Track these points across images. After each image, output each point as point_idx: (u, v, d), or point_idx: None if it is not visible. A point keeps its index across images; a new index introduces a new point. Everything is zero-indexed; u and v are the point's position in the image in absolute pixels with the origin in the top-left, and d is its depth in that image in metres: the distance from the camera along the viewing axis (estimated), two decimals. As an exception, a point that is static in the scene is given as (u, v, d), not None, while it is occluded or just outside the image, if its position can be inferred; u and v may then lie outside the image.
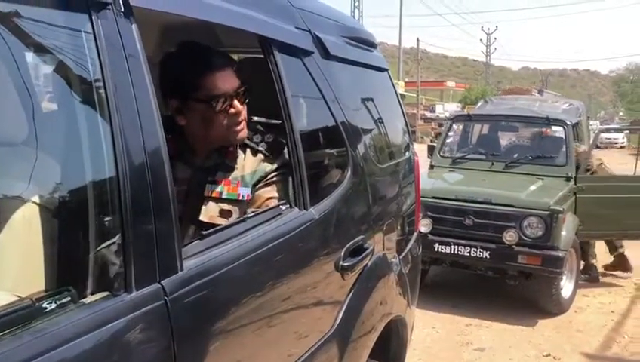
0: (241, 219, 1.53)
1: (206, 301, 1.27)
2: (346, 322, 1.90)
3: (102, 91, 1.10)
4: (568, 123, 5.94)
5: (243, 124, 1.73)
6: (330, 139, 2.05)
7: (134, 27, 1.18)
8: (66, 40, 1.13)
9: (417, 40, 45.87)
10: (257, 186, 1.72)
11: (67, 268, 1.11)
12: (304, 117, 1.92)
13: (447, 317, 5.02)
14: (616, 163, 9.31)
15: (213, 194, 1.70)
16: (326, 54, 2.01)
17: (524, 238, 4.89)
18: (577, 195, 5.53)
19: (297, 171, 1.71)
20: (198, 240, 1.33)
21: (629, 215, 5.53)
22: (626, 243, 6.07)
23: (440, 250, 5.14)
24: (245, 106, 1.73)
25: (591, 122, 14.78)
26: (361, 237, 2.02)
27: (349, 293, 1.92)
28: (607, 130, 11.36)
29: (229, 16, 1.56)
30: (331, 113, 1.98)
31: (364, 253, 1.98)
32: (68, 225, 1.15)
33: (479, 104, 7.89)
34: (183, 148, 1.74)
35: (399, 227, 2.57)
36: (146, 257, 1.13)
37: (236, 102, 1.69)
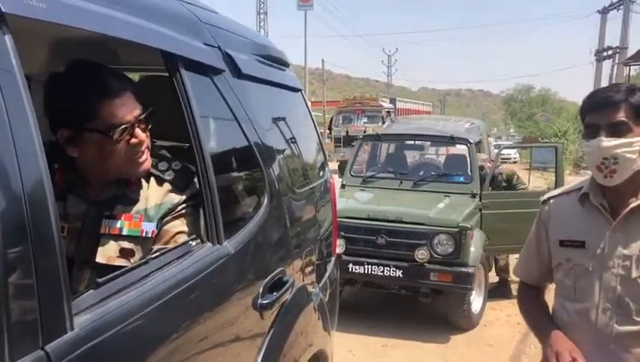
0: (144, 260, 1.33)
1: (104, 364, 1.06)
2: (267, 363, 1.74)
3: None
4: (472, 141, 6.14)
5: (146, 154, 1.52)
6: (244, 164, 1.89)
7: (8, 38, 0.98)
8: None
9: (322, 61, 46.81)
10: (165, 220, 1.52)
11: None
12: (215, 140, 1.76)
13: (362, 338, 4.96)
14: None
15: (112, 231, 1.47)
16: (237, 73, 1.87)
17: (435, 256, 4.95)
18: (482, 211, 5.70)
19: (209, 201, 1.53)
20: (92, 290, 1.13)
21: (528, 229, 5.74)
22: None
23: (354, 270, 5.09)
24: (148, 133, 1.54)
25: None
26: (281, 269, 1.87)
27: (268, 333, 1.76)
28: (506, 147, 12.05)
29: (128, 30, 1.37)
30: (245, 136, 1.83)
31: (284, 288, 1.82)
32: None
33: (386, 124, 8.03)
34: (74, 180, 1.51)
35: (318, 253, 2.45)
36: (23, 318, 0.91)
37: (138, 131, 1.49)
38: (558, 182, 5.93)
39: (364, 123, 21.36)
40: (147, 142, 1.52)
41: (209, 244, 1.52)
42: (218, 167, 1.60)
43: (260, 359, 1.69)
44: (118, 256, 1.46)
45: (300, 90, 2.64)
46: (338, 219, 4.71)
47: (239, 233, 1.66)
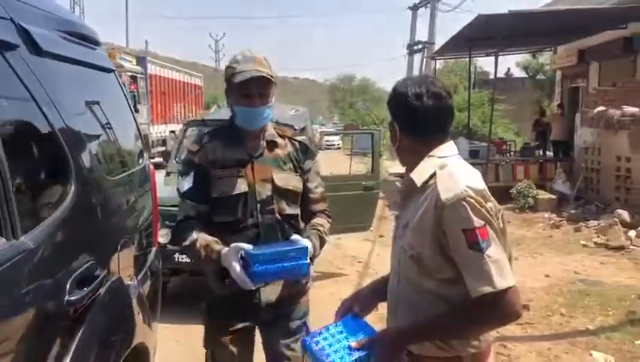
0: None
1: None
2: (78, 362, 1.62)
3: None
4: (296, 128, 6.32)
5: None
6: (46, 150, 1.72)
7: None
8: None
9: (146, 42, 44.76)
10: None
11: None
12: (8, 124, 1.57)
13: (189, 327, 4.83)
14: (337, 163, 10.36)
15: None
16: (36, 49, 1.69)
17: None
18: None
19: (1, 193, 1.37)
20: None
21: (352, 210, 6.15)
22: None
23: (180, 259, 4.98)
24: None
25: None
26: (91, 263, 1.74)
27: (79, 330, 1.63)
28: (327, 134, 12.81)
29: None
30: (46, 118, 1.66)
31: (95, 282, 1.70)
32: None
33: (213, 109, 7.94)
34: None
35: (136, 244, 2.33)
36: None
37: None
38: (375, 166, 6.37)
39: None
40: None
41: (3, 240, 1.36)
42: (12, 155, 1.43)
43: (70, 356, 1.56)
44: None
45: (113, 70, 2.48)
46: (163, 208, 4.58)
47: (40, 226, 1.51)
